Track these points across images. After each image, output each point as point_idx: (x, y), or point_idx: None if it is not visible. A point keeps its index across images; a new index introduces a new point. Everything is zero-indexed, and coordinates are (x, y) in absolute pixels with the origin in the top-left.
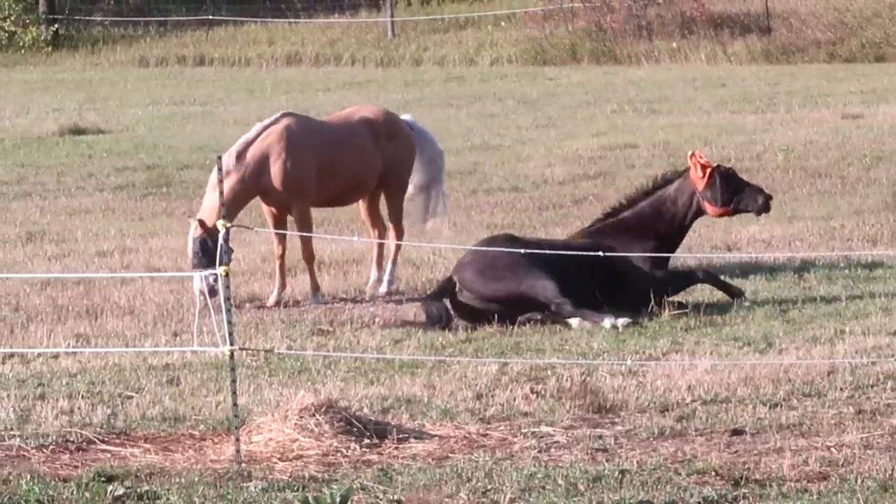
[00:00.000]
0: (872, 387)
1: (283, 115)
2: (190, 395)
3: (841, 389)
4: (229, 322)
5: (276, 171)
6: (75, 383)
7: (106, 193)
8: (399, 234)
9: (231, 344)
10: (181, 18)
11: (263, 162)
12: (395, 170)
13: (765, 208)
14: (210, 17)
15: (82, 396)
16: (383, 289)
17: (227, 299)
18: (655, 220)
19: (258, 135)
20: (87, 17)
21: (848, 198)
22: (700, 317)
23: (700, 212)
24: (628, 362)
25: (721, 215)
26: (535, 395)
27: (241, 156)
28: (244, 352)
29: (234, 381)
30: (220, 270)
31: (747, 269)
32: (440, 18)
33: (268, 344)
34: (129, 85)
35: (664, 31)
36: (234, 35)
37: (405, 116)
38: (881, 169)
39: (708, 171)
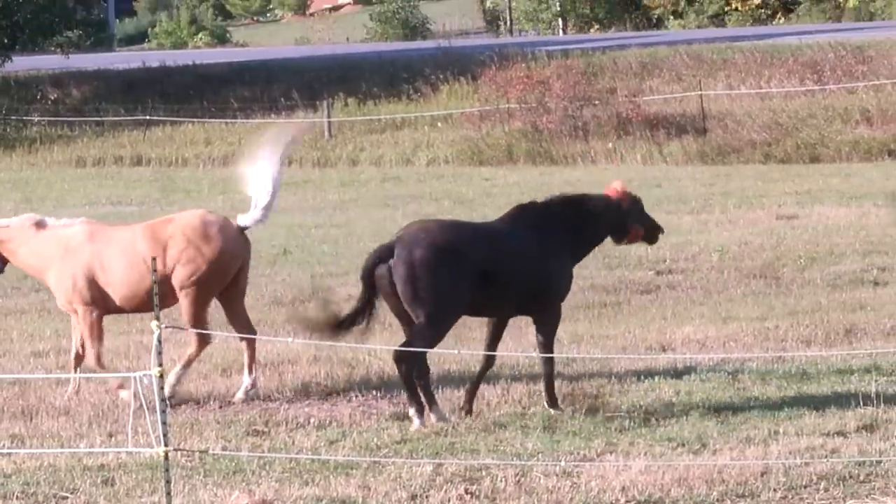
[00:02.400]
0: (805, 487)
1: (80, 223)
2: (125, 497)
3: (774, 490)
4: (164, 423)
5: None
6: (10, 484)
7: (42, 293)
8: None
9: (165, 444)
10: (118, 119)
11: None
12: (202, 274)
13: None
14: (147, 117)
15: (17, 497)
16: (240, 395)
17: (162, 400)
18: (580, 220)
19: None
20: (23, 118)
21: (783, 298)
22: (635, 417)
23: (618, 228)
24: (562, 463)
25: (633, 240)
26: (469, 496)
27: None
28: (179, 452)
29: (168, 481)
30: (154, 371)
31: (681, 371)
32: (377, 119)
33: (203, 444)
34: (66, 185)
35: (600, 132)
36: (171, 135)
37: (241, 218)
38: (815, 270)
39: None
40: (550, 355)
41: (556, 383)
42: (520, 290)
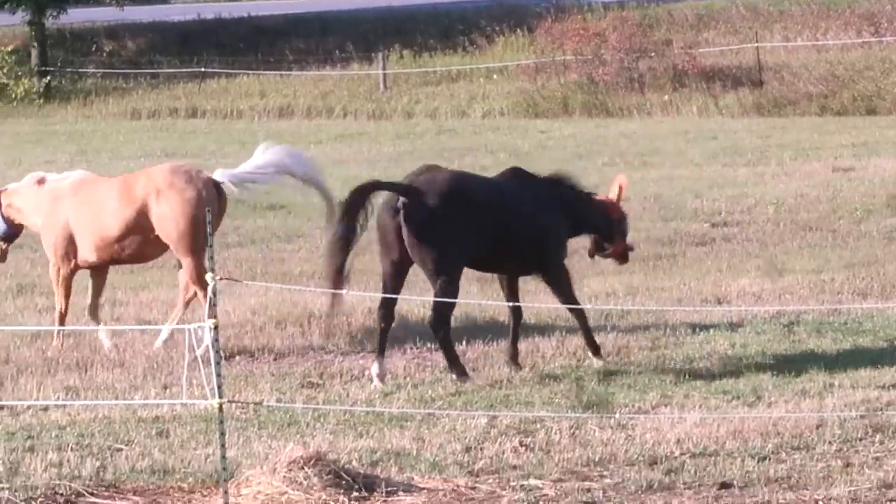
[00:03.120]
0: (861, 440)
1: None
2: (179, 448)
3: (829, 443)
4: (218, 375)
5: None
6: (65, 436)
7: None
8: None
9: (220, 397)
10: (173, 71)
11: None
12: (164, 227)
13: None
14: (202, 69)
15: (71, 449)
16: (159, 342)
17: (217, 352)
18: (574, 209)
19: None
20: (79, 70)
21: (838, 251)
22: (689, 370)
23: (603, 229)
24: (617, 415)
25: (615, 254)
26: (523, 448)
27: None
28: (233, 404)
29: (222, 433)
30: (208, 323)
31: (737, 323)
32: (432, 71)
33: (257, 396)
34: (120, 137)
35: (656, 84)
36: (226, 87)
37: (218, 172)
38: (871, 222)
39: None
40: (578, 307)
41: (612, 336)
42: (520, 247)
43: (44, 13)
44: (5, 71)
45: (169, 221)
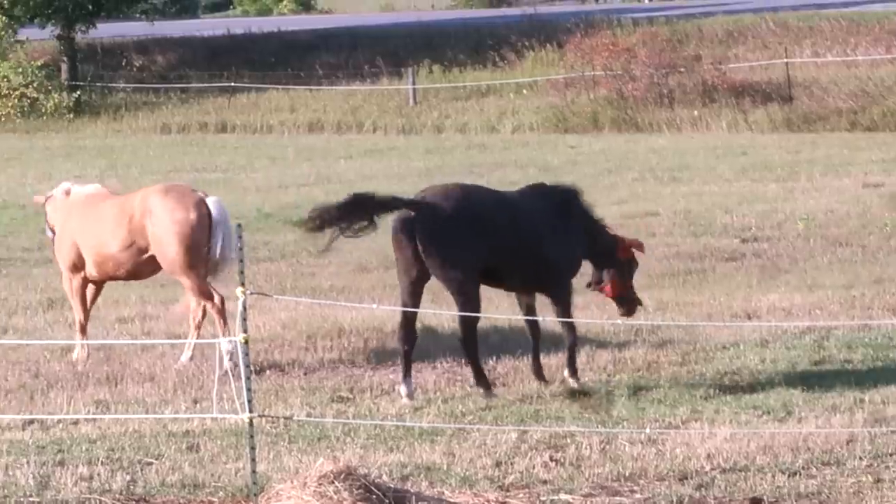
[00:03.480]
0: (891, 455)
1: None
2: (209, 462)
3: (860, 458)
4: (249, 389)
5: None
6: (95, 449)
7: None
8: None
9: (250, 411)
10: (203, 85)
11: None
12: (157, 248)
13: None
14: (232, 84)
15: (102, 463)
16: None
17: (247, 366)
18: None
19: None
20: (109, 84)
21: (868, 266)
22: (720, 385)
23: (606, 264)
24: (647, 430)
25: (614, 293)
26: (554, 463)
27: None
28: (263, 419)
29: (253, 448)
30: (239, 338)
31: (767, 338)
32: (462, 86)
33: (287, 411)
34: (150, 152)
35: (686, 100)
36: (256, 102)
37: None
38: None
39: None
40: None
41: (641, 351)
42: (528, 262)
43: (73, 28)
44: (35, 85)
45: (162, 242)
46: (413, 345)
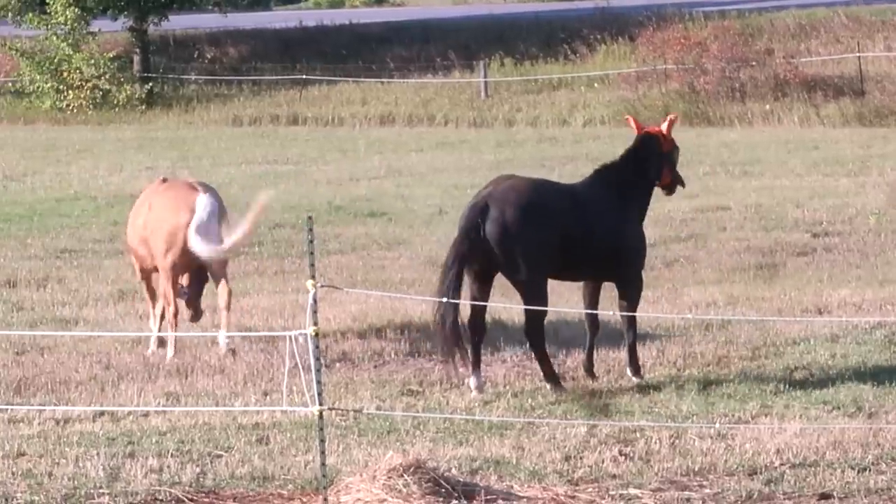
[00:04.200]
0: None
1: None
2: (279, 455)
3: None
4: (318, 382)
5: None
6: (165, 442)
7: None
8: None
9: (320, 404)
10: (275, 78)
11: None
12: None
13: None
14: (304, 76)
15: (171, 455)
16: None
17: (317, 359)
18: (631, 176)
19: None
20: (181, 76)
21: None
22: (790, 380)
23: (658, 174)
24: (717, 425)
25: (667, 185)
26: (623, 458)
27: None
28: (333, 412)
29: (322, 440)
30: (309, 330)
31: (837, 333)
32: (533, 79)
33: (357, 404)
34: (222, 143)
35: (757, 94)
36: (327, 94)
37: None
38: None
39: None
40: (634, 315)
41: (712, 345)
42: (598, 253)
43: (146, 19)
44: (108, 77)
45: (152, 233)
46: (482, 337)
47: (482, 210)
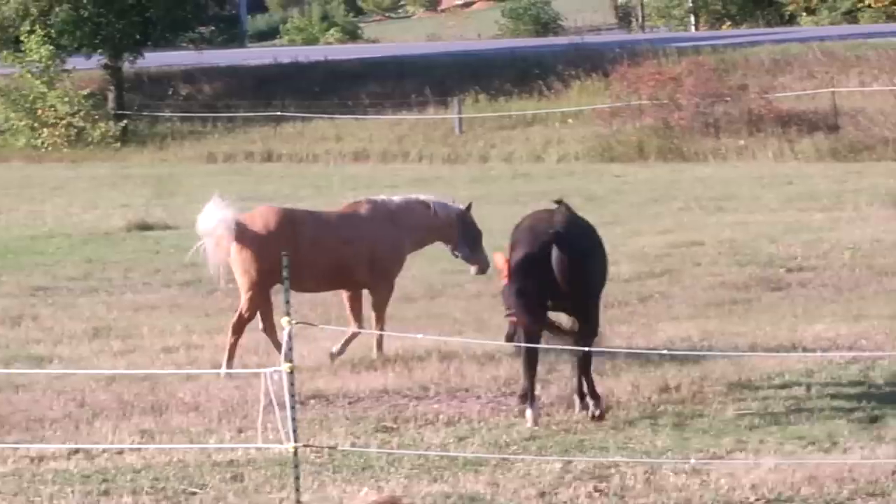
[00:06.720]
0: None
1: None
2: (254, 492)
3: None
4: (293, 419)
5: None
6: (139, 479)
7: (172, 289)
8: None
9: (295, 441)
10: (249, 115)
11: None
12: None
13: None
14: (278, 113)
15: (146, 493)
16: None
17: (292, 396)
18: None
19: None
20: (155, 113)
21: None
22: (765, 415)
23: None
24: (692, 461)
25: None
26: (598, 494)
27: None
28: (308, 448)
29: (297, 477)
30: (284, 367)
31: (812, 368)
32: (508, 115)
33: (331, 441)
34: (196, 180)
35: (731, 129)
36: (301, 131)
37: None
38: None
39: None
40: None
41: (686, 381)
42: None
43: (120, 57)
44: (82, 115)
45: None
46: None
47: (551, 242)
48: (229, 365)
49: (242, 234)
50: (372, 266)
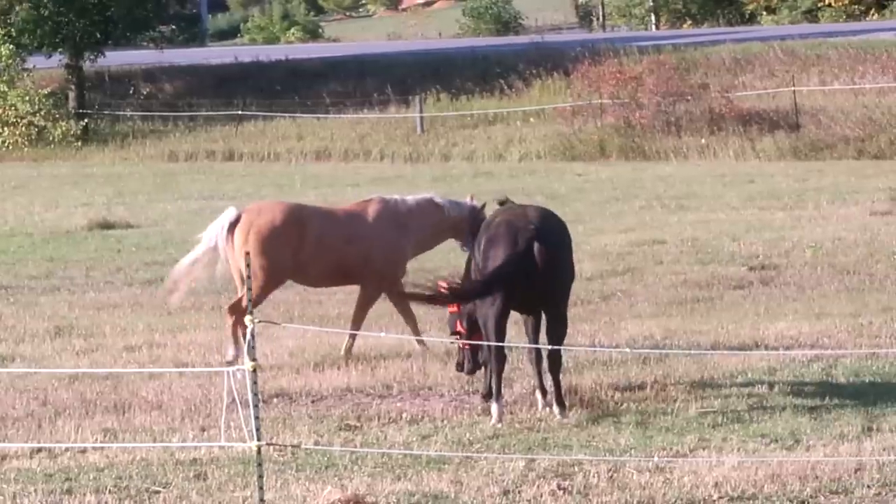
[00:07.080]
0: None
1: None
2: (217, 491)
3: (868, 486)
4: (256, 417)
5: None
6: (102, 478)
7: (134, 288)
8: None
9: (258, 439)
10: (210, 113)
11: None
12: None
13: None
14: (239, 112)
15: (109, 491)
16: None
17: (255, 394)
18: None
19: None
20: (117, 112)
21: (876, 294)
22: (727, 413)
23: None
24: (655, 459)
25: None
26: (562, 492)
27: None
28: (271, 447)
29: (260, 476)
30: (247, 366)
31: (774, 367)
32: (469, 114)
33: (295, 439)
34: (157, 179)
35: (693, 128)
36: (263, 130)
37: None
38: None
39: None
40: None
41: (650, 379)
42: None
43: (81, 56)
44: (43, 114)
45: None
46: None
47: (533, 237)
48: (237, 349)
49: (248, 227)
50: (367, 265)
